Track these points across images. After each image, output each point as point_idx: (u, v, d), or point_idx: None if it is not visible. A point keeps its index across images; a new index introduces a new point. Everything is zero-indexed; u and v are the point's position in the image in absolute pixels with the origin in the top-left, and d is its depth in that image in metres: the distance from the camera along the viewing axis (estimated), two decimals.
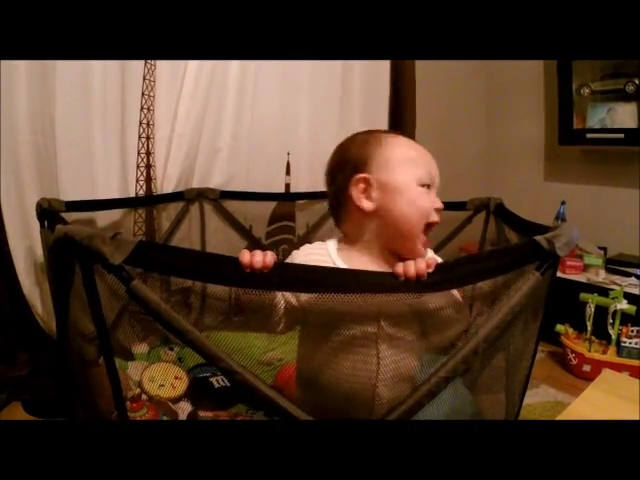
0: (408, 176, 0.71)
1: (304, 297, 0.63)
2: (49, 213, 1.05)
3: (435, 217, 0.73)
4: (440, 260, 0.74)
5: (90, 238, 0.58)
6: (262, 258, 0.54)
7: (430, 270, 0.57)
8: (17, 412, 1.17)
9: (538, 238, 0.68)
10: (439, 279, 0.59)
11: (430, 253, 0.79)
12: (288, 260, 0.75)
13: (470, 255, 0.68)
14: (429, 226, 0.73)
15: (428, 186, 0.73)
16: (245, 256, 0.54)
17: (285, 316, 0.66)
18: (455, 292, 0.66)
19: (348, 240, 0.76)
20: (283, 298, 0.64)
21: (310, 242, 1.68)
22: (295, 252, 0.75)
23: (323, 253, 0.73)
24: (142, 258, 0.58)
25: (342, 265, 0.72)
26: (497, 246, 1.22)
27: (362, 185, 0.72)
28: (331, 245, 0.75)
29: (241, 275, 0.56)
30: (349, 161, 0.74)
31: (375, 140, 0.75)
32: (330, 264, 0.71)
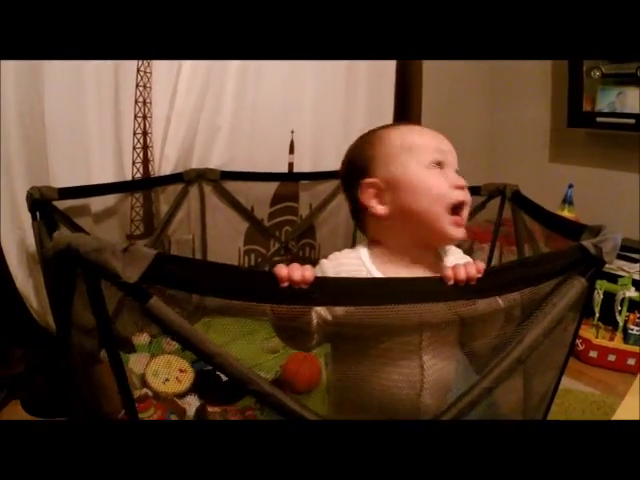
0: (413, 164, 0.66)
1: (340, 311, 0.59)
2: (41, 203, 0.98)
3: (459, 195, 0.66)
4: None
5: (98, 251, 0.51)
6: (301, 272, 0.49)
7: (480, 275, 0.54)
8: (17, 411, 1.12)
9: (585, 243, 0.65)
10: (489, 284, 0.55)
11: (459, 254, 0.74)
12: (317, 270, 0.70)
13: (518, 260, 0.65)
14: (456, 207, 0.66)
15: (439, 164, 0.66)
16: (282, 270, 0.49)
17: (318, 332, 0.61)
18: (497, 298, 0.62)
19: (378, 245, 0.70)
20: (315, 314, 0.60)
21: (313, 224, 1.68)
22: (323, 261, 0.69)
23: (356, 262, 0.68)
24: (161, 274, 0.51)
25: (377, 273, 0.67)
26: (516, 235, 1.19)
27: (371, 190, 0.68)
28: (363, 252, 0.69)
29: (279, 291, 0.50)
30: (355, 166, 0.71)
31: (375, 139, 0.70)
32: (364, 273, 0.66)
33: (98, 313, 0.59)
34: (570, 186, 1.66)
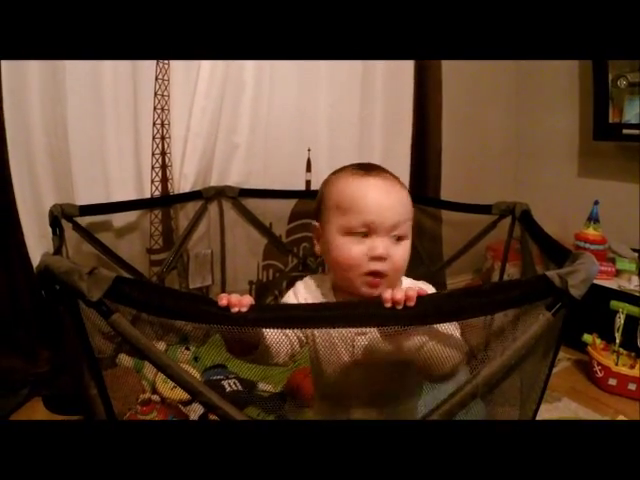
0: (336, 225, 0.68)
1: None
2: (58, 221, 1.06)
3: (374, 266, 0.66)
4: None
5: (68, 274, 0.57)
6: (238, 298, 0.54)
7: (411, 303, 0.53)
8: (37, 408, 1.22)
9: (550, 274, 0.62)
10: (423, 310, 0.54)
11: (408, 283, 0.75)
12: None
13: (467, 287, 0.64)
14: (373, 273, 0.67)
15: (364, 233, 0.67)
16: (223, 295, 0.54)
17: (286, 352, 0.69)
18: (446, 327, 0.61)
19: None
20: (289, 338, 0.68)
21: None
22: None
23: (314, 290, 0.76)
24: (119, 294, 0.57)
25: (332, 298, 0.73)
26: (522, 256, 1.16)
27: (315, 230, 0.75)
28: (326, 283, 0.76)
29: (219, 314, 0.54)
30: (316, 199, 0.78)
31: (329, 181, 0.75)
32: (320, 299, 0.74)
33: (76, 325, 0.65)
34: (596, 202, 1.59)
